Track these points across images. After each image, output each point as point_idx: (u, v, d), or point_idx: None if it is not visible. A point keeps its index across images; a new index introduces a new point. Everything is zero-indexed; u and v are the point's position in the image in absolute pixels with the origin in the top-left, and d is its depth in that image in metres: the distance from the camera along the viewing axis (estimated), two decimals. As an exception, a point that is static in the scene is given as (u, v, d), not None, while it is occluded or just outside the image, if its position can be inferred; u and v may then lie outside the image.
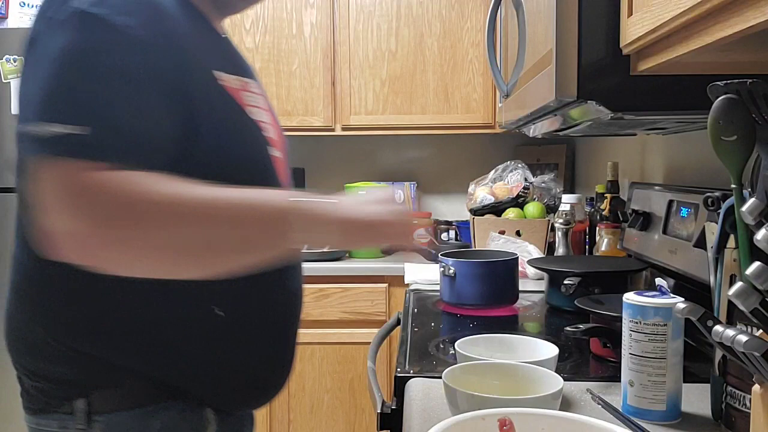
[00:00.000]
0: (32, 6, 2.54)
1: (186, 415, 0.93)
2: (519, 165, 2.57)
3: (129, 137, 0.80)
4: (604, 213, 1.99)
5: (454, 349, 1.09)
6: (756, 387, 0.77)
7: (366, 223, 0.87)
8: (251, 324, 0.97)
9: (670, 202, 1.49)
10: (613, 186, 2.00)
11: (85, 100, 0.78)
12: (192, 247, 0.80)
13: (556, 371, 0.97)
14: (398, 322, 1.73)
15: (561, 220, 2.16)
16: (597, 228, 2.02)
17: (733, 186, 0.75)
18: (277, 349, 1.01)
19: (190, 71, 0.88)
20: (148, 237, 0.78)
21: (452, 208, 3.21)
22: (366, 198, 0.90)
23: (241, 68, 1.02)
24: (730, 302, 0.84)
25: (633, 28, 0.87)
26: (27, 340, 0.92)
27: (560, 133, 1.51)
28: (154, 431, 0.91)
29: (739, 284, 0.70)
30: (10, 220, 2.47)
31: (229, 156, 0.91)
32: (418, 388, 1.10)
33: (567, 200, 2.24)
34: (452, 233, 3.03)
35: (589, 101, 0.97)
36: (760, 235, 0.68)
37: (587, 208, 2.30)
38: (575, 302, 1.32)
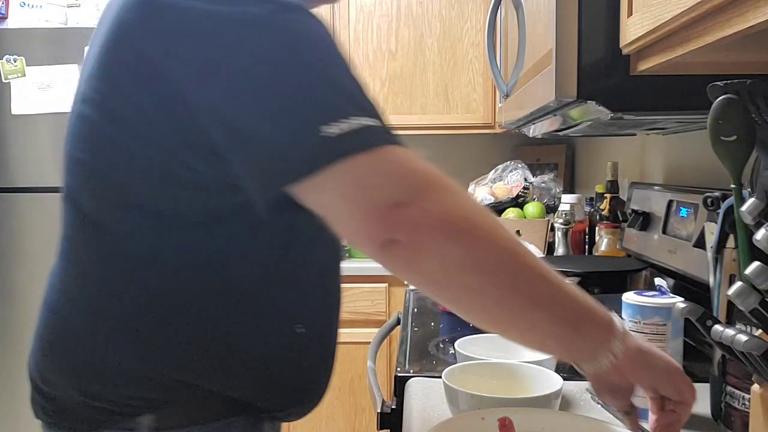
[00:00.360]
0: (32, 6, 2.54)
1: (250, 429, 0.91)
2: (519, 165, 2.57)
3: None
4: (603, 213, 1.99)
5: (454, 349, 1.09)
6: (755, 387, 0.77)
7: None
8: (319, 336, 0.96)
9: (670, 202, 1.49)
10: (613, 186, 2.00)
11: (352, 91, 0.73)
12: (518, 300, 0.71)
13: (556, 371, 0.97)
14: (398, 322, 1.73)
15: (561, 220, 2.16)
16: (597, 228, 2.02)
17: (732, 186, 0.75)
18: (330, 357, 1.00)
19: None
20: (492, 260, 0.70)
21: None
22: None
23: None
24: (729, 302, 0.84)
25: (633, 28, 0.88)
26: (96, 365, 0.85)
27: (560, 133, 1.51)
28: None
29: (738, 284, 0.70)
30: (10, 220, 2.49)
31: None
32: (418, 388, 1.10)
33: (567, 200, 2.24)
34: (452, 233, 3.03)
35: (589, 101, 0.97)
36: (759, 235, 0.68)
37: (587, 208, 2.30)
38: (575, 302, 1.32)
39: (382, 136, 0.72)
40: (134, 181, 0.80)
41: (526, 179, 2.48)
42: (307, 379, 0.96)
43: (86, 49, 0.98)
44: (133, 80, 0.77)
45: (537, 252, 2.15)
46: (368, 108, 0.73)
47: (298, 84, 0.71)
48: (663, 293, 0.96)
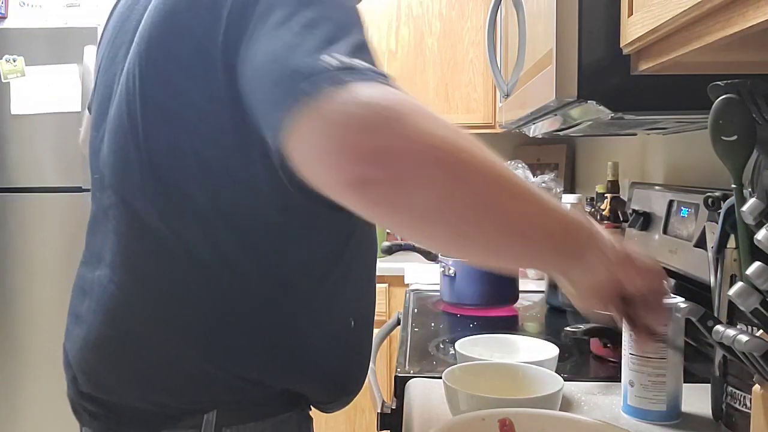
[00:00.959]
0: (32, 6, 2.54)
1: (300, 423, 0.93)
2: (519, 165, 2.56)
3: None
4: (604, 213, 1.99)
5: (454, 349, 1.09)
6: (756, 387, 0.76)
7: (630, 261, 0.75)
8: (366, 328, 1.00)
9: (670, 202, 1.49)
10: (613, 186, 2.00)
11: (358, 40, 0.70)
12: (489, 209, 0.67)
13: (556, 371, 0.97)
14: (398, 322, 1.73)
15: (561, 220, 2.15)
16: (597, 228, 2.02)
17: (733, 186, 0.75)
18: (369, 347, 1.03)
19: None
20: (466, 187, 0.65)
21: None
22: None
23: None
24: (730, 302, 0.84)
25: (633, 28, 0.87)
26: (162, 372, 0.85)
27: (560, 133, 1.51)
28: None
29: (739, 284, 0.70)
30: (10, 220, 2.49)
31: None
32: (418, 388, 1.10)
33: (567, 200, 2.24)
34: (452, 233, 3.03)
35: (589, 101, 0.97)
36: (760, 235, 0.68)
37: (587, 208, 2.30)
38: (575, 302, 1.32)
39: (361, 73, 0.66)
40: (195, 185, 0.80)
41: (526, 179, 2.48)
42: (355, 370, 0.98)
43: (103, 43, 0.96)
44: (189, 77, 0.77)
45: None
46: (356, 48, 0.69)
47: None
48: (663, 293, 0.96)
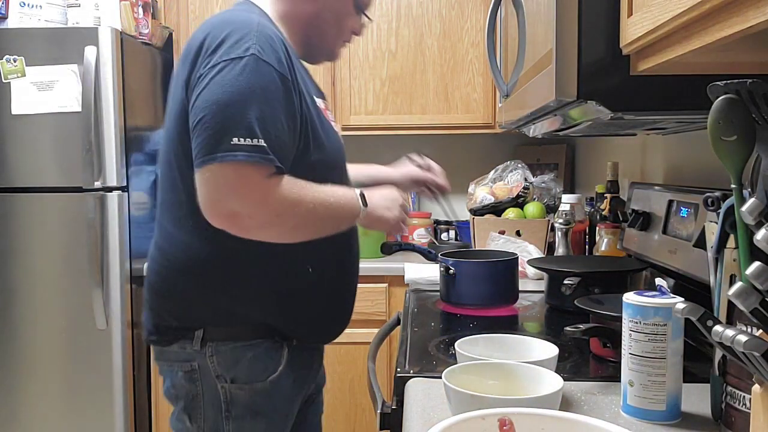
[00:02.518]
0: (32, 6, 2.53)
1: (269, 351, 1.31)
2: (519, 165, 2.56)
3: (284, 148, 1.18)
4: (604, 213, 1.99)
5: (454, 349, 1.09)
6: (756, 387, 0.77)
7: (387, 224, 1.37)
8: (329, 277, 1.37)
9: (670, 202, 1.49)
10: (613, 186, 2.00)
11: (261, 120, 1.14)
12: (312, 226, 1.25)
13: (556, 371, 0.97)
14: (398, 322, 1.73)
15: (561, 220, 2.15)
16: (597, 228, 2.02)
17: (733, 186, 0.75)
18: (345, 297, 1.43)
19: (304, 98, 1.26)
20: (298, 221, 1.22)
21: (452, 208, 3.20)
22: (385, 201, 1.36)
23: (320, 92, 1.43)
24: (730, 302, 0.84)
25: (633, 28, 0.87)
26: (175, 296, 1.31)
27: (560, 133, 1.51)
28: (245, 359, 1.28)
29: (739, 284, 0.70)
30: (9, 220, 2.49)
31: (327, 155, 1.31)
32: (418, 388, 1.10)
33: (567, 200, 2.24)
34: (452, 233, 3.03)
35: (589, 101, 0.97)
36: (760, 235, 0.68)
37: (587, 208, 2.30)
38: (575, 302, 1.32)
39: (254, 155, 1.13)
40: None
41: (526, 179, 2.48)
42: (319, 313, 1.35)
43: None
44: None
45: (537, 252, 2.15)
46: (261, 133, 1.14)
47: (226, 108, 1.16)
48: (663, 293, 0.96)
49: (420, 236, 2.85)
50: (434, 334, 1.49)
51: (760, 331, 0.74)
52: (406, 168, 1.76)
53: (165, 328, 1.32)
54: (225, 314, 1.28)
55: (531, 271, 2.04)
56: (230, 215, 1.15)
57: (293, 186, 1.19)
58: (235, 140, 1.11)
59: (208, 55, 1.17)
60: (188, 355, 1.29)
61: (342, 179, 1.39)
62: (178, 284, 1.30)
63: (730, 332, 0.71)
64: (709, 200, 0.89)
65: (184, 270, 1.28)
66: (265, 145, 1.13)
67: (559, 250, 2.15)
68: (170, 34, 2.92)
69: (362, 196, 1.30)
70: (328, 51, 1.45)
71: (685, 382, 0.96)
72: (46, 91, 2.43)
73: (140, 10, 2.66)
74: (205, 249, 1.26)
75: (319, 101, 1.36)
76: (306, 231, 1.24)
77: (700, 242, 0.96)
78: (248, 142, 1.11)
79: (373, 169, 1.73)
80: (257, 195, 1.15)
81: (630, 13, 0.89)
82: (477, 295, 1.71)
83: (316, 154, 1.27)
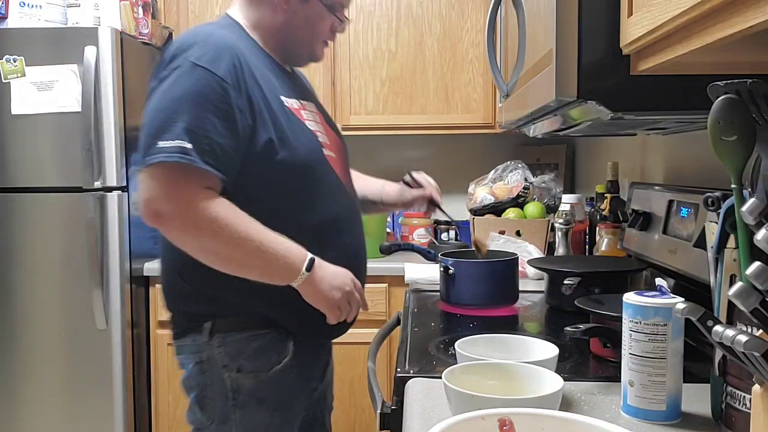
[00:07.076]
0: (32, 6, 2.53)
1: (275, 342, 1.36)
2: (519, 165, 2.56)
3: (222, 149, 1.22)
4: (604, 213, 1.99)
5: (454, 349, 1.09)
6: (756, 387, 0.76)
7: (325, 302, 1.34)
8: None
9: (670, 202, 1.49)
10: (613, 186, 2.00)
11: (190, 122, 1.20)
12: (233, 260, 1.27)
13: (556, 371, 0.97)
14: (398, 322, 1.73)
15: (561, 220, 2.15)
16: (597, 228, 2.02)
17: (733, 186, 0.75)
18: None
19: (266, 98, 1.31)
20: (213, 243, 1.25)
21: (452, 208, 3.19)
22: (335, 280, 1.34)
23: (301, 94, 1.46)
24: (730, 302, 0.84)
25: (633, 28, 0.87)
26: (182, 291, 1.37)
27: (560, 133, 1.51)
28: (251, 349, 1.35)
29: (739, 284, 0.70)
30: (9, 220, 2.49)
31: (297, 153, 1.33)
32: (418, 388, 1.10)
33: (567, 200, 2.24)
34: (452, 233, 3.03)
35: (589, 101, 0.97)
36: (760, 235, 0.68)
37: (587, 208, 2.30)
38: (575, 302, 1.32)
39: (174, 155, 1.19)
40: None
41: (526, 179, 2.48)
42: (316, 314, 1.35)
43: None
44: None
45: (537, 252, 2.15)
46: (188, 135, 1.20)
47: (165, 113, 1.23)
48: (663, 293, 0.96)
49: (420, 236, 2.85)
50: (434, 334, 1.49)
51: (760, 331, 0.74)
52: (408, 192, 1.81)
53: (177, 321, 1.41)
54: (231, 306, 1.35)
55: (531, 271, 2.04)
56: (156, 214, 1.21)
57: (228, 210, 1.23)
58: (161, 143, 1.19)
59: (161, 69, 1.27)
60: (198, 347, 1.36)
61: (324, 178, 1.40)
62: (184, 279, 1.36)
63: (730, 332, 0.71)
64: (710, 200, 0.89)
65: (186, 266, 1.32)
66: (189, 146, 1.18)
67: (559, 250, 2.15)
68: (170, 34, 2.92)
69: (312, 261, 1.29)
70: (307, 54, 1.48)
71: (685, 382, 0.96)
72: (46, 91, 2.43)
73: (140, 9, 2.66)
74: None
75: (291, 101, 1.38)
76: (225, 261, 1.26)
77: (700, 242, 0.97)
78: (172, 143, 1.18)
79: (378, 187, 1.79)
80: (182, 198, 1.21)
81: (630, 13, 0.89)
82: (477, 295, 1.71)
83: (282, 152, 1.30)
